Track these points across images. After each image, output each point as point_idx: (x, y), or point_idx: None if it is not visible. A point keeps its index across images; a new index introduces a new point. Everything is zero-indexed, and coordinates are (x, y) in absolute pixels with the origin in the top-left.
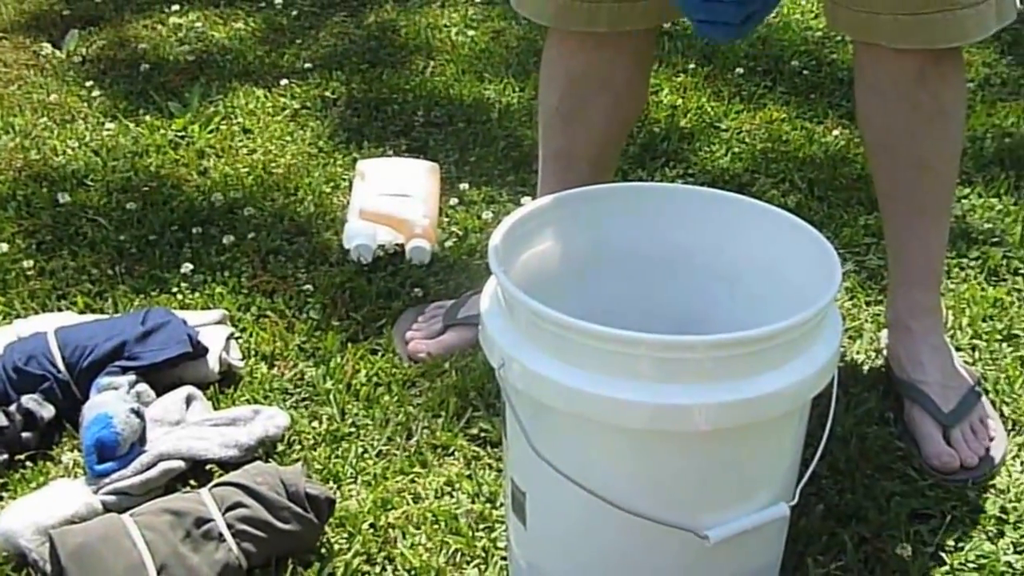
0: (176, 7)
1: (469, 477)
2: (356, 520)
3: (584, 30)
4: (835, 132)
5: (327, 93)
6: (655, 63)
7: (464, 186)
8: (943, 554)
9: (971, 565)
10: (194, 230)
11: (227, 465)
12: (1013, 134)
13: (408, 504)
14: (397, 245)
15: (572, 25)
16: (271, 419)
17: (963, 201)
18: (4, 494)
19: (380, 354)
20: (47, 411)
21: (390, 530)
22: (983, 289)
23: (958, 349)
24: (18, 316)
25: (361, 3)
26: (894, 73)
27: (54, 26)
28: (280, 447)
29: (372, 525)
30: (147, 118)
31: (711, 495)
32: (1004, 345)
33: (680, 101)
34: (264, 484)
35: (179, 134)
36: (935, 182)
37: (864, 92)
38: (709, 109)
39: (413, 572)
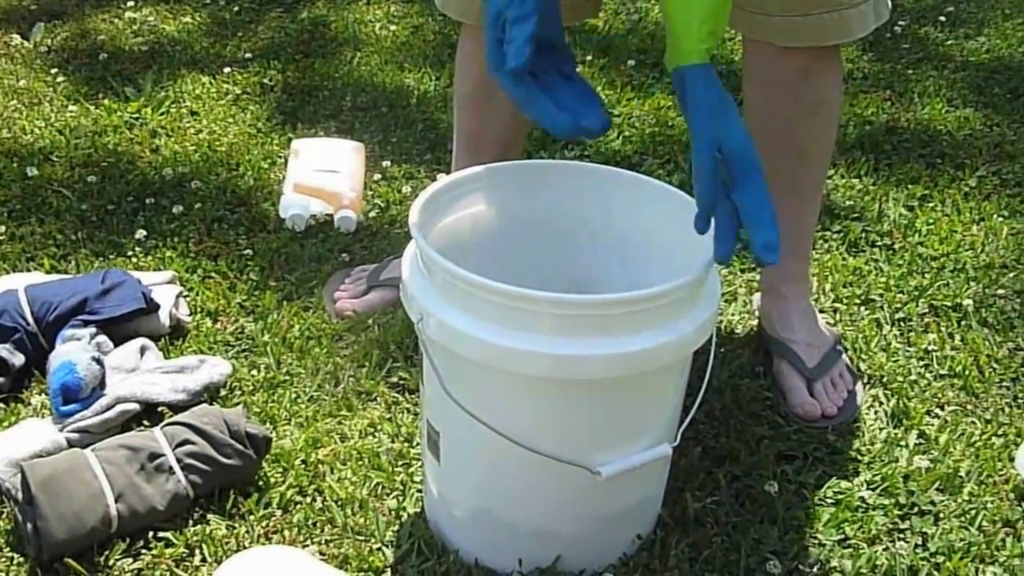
0: (131, 3)
1: (390, 420)
2: (290, 457)
3: None
4: None
5: (265, 80)
6: None
7: (387, 163)
8: (805, 491)
9: (829, 500)
10: (147, 201)
11: (176, 407)
12: (873, 122)
13: (336, 443)
14: (327, 215)
15: None
16: (215, 367)
17: (828, 181)
18: None
19: (312, 311)
20: (18, 359)
21: (319, 465)
22: (844, 259)
23: (821, 312)
24: None
25: (295, 0)
26: (781, 69)
27: (22, 19)
28: (223, 392)
29: (304, 461)
30: (105, 101)
31: (603, 436)
32: (862, 308)
33: None
34: (209, 424)
35: (134, 116)
36: (811, 166)
37: (751, 85)
38: (603, 96)
39: (339, 502)
